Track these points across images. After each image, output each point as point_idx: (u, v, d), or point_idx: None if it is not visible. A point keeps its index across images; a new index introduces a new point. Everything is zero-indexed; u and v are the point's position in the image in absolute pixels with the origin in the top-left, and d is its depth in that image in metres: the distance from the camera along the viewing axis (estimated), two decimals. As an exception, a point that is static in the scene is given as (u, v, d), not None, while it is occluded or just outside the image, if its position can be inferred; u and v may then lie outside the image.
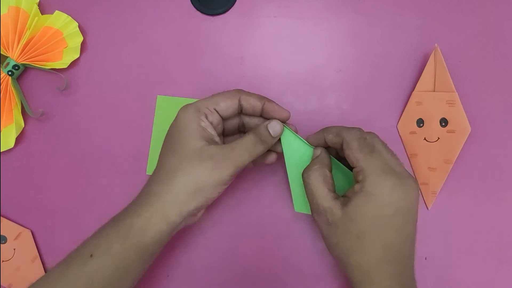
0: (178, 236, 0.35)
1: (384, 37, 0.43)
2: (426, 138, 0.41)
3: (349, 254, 0.31)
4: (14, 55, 0.43)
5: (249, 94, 0.35)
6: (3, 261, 0.43)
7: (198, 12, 0.44)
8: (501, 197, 0.41)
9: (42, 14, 0.45)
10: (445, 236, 0.41)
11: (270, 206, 0.42)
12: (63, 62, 0.43)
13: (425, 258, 0.41)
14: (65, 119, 0.45)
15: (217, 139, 0.34)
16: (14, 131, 0.43)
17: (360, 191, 0.30)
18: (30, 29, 0.43)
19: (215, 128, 0.34)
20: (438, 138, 0.40)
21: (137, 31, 0.45)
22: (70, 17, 0.44)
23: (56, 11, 0.44)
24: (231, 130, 0.38)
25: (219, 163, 0.32)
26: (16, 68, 0.43)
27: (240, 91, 0.35)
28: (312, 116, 0.43)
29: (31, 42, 0.43)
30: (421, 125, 0.41)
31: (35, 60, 0.44)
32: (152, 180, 0.34)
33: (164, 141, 0.35)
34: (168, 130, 0.34)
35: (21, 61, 0.43)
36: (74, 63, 0.44)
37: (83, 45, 0.44)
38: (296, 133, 0.36)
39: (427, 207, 0.41)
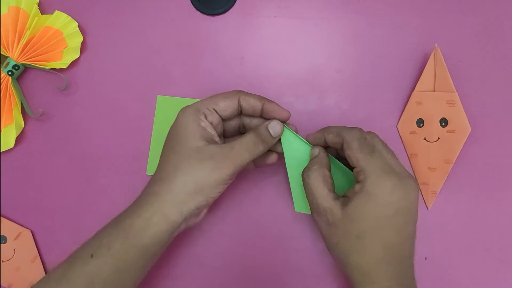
0: (178, 236, 0.34)
1: (384, 37, 0.43)
2: (426, 138, 0.41)
3: (349, 254, 0.31)
4: (14, 55, 0.43)
5: (248, 94, 0.35)
6: (3, 261, 0.43)
7: (198, 12, 0.44)
8: (501, 197, 0.41)
9: (42, 14, 0.45)
10: (445, 236, 0.41)
11: (270, 206, 0.42)
12: (63, 62, 0.43)
13: (425, 258, 0.41)
14: (65, 119, 0.45)
15: (217, 139, 0.34)
16: (14, 131, 0.43)
17: (360, 191, 0.30)
18: (30, 29, 0.43)
19: (215, 128, 0.34)
20: (438, 138, 0.40)
21: (137, 31, 0.45)
22: (70, 17, 0.44)
23: (56, 11, 0.44)
24: (231, 131, 0.38)
25: (219, 162, 0.32)
26: (16, 68, 0.43)
27: (239, 91, 0.35)
28: (312, 116, 0.43)
29: (31, 42, 0.43)
30: (421, 125, 0.41)
31: (35, 60, 0.44)
32: (152, 180, 0.34)
33: (164, 142, 0.35)
34: (169, 132, 0.35)
35: (21, 61, 0.43)
36: (74, 63, 0.44)
37: (83, 45, 0.44)
38: (296, 133, 0.36)
39: (427, 207, 0.41)
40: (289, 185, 0.38)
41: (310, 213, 0.35)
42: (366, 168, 0.30)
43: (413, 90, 0.41)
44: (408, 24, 0.43)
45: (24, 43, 0.43)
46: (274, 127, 0.34)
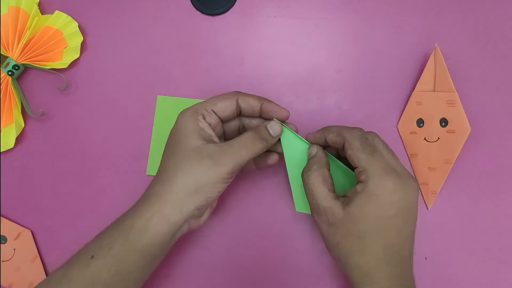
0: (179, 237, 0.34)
1: (384, 37, 0.43)
2: (426, 138, 0.41)
3: (349, 254, 0.31)
4: (14, 55, 0.43)
5: (247, 95, 0.35)
6: (3, 261, 0.43)
7: (198, 12, 0.44)
8: (501, 197, 0.41)
9: (42, 14, 0.45)
10: (445, 236, 0.41)
11: (270, 207, 0.42)
12: (63, 62, 0.43)
13: (425, 258, 0.41)
14: (65, 119, 0.45)
15: (216, 139, 0.34)
16: (14, 131, 0.43)
17: (362, 191, 0.30)
18: (30, 29, 0.43)
19: (213, 129, 0.34)
20: (438, 138, 0.40)
21: (137, 31, 0.45)
22: (70, 17, 0.44)
23: (56, 11, 0.44)
24: (232, 133, 0.38)
25: (218, 160, 0.32)
26: (16, 68, 0.43)
27: (238, 92, 0.35)
28: (312, 116, 0.43)
29: (31, 42, 0.43)
30: (421, 125, 0.41)
31: (35, 60, 0.44)
32: (154, 181, 0.34)
33: (165, 144, 0.35)
34: (169, 134, 0.35)
35: (21, 61, 0.43)
36: (74, 63, 0.44)
37: (83, 45, 0.44)
38: (296, 132, 0.36)
39: (427, 207, 0.41)
40: (289, 185, 0.38)
41: (310, 213, 0.35)
42: (367, 168, 0.30)
43: (413, 90, 0.41)
44: (408, 24, 0.43)
45: (24, 43, 0.43)
46: (273, 126, 0.34)
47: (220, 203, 0.42)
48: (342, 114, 0.43)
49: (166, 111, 0.43)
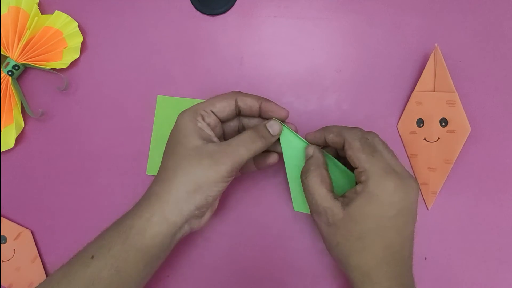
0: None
1: (384, 37, 0.43)
2: (426, 138, 0.41)
3: (349, 254, 0.31)
4: (14, 55, 0.43)
5: (246, 95, 0.35)
6: (3, 261, 0.43)
7: (198, 12, 0.44)
8: (501, 197, 0.41)
9: (42, 14, 0.45)
10: (445, 236, 0.41)
11: (270, 207, 0.42)
12: (63, 62, 0.43)
13: (425, 258, 0.41)
14: (65, 119, 0.45)
15: (215, 139, 0.34)
16: (14, 131, 0.43)
17: (362, 191, 0.30)
18: (30, 29, 0.43)
19: (213, 129, 0.34)
20: (438, 138, 0.40)
21: (137, 31, 0.45)
22: (70, 17, 0.44)
23: (56, 11, 0.44)
24: (231, 133, 0.38)
25: (217, 159, 0.32)
26: (16, 68, 0.43)
27: (237, 92, 0.35)
28: (312, 116, 0.43)
29: (31, 42, 0.43)
30: (421, 125, 0.41)
31: (35, 60, 0.44)
32: (154, 181, 0.34)
33: (165, 145, 0.35)
34: (169, 135, 0.35)
35: (21, 61, 0.43)
36: (74, 63, 0.44)
37: (83, 45, 0.44)
38: (296, 132, 0.36)
39: (427, 207, 0.41)
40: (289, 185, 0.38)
41: (308, 212, 0.35)
42: (368, 168, 0.30)
43: (413, 90, 0.41)
44: (408, 24, 0.43)
45: (24, 43, 0.43)
46: (272, 125, 0.34)
47: (220, 203, 0.42)
48: (342, 114, 0.43)
49: (166, 111, 0.43)
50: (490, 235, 0.40)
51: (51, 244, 0.44)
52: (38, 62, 0.44)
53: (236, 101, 0.35)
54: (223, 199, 0.42)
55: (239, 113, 0.36)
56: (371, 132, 0.34)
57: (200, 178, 0.31)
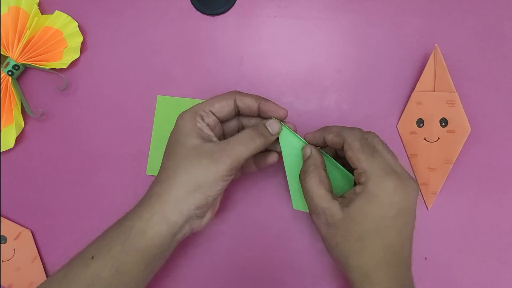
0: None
1: (384, 37, 0.43)
2: (426, 138, 0.41)
3: (349, 255, 0.31)
4: (14, 55, 0.43)
5: (244, 94, 0.35)
6: (3, 261, 0.43)
7: (198, 12, 0.44)
8: (501, 197, 0.41)
9: (42, 14, 0.45)
10: (445, 236, 0.41)
11: (270, 207, 0.42)
12: (63, 62, 0.43)
13: (425, 258, 0.41)
14: (65, 119, 0.45)
15: (214, 139, 0.34)
16: (14, 131, 0.43)
17: (362, 192, 0.30)
18: (30, 29, 0.43)
19: (212, 129, 0.34)
20: (438, 138, 0.40)
21: (137, 31, 0.45)
22: (70, 17, 0.44)
23: (56, 11, 0.44)
24: (231, 133, 0.38)
25: (216, 158, 0.31)
26: (16, 68, 0.43)
27: (236, 92, 0.35)
28: (312, 116, 0.43)
29: (31, 42, 0.43)
30: (421, 125, 0.41)
31: (35, 60, 0.44)
32: (154, 182, 0.34)
33: (166, 146, 0.35)
34: (169, 136, 0.35)
35: (21, 61, 0.43)
36: (74, 63, 0.44)
37: (83, 45, 0.44)
38: (296, 131, 0.36)
39: (427, 207, 0.41)
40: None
41: (307, 211, 0.35)
42: (368, 169, 0.30)
43: (413, 90, 0.41)
44: (408, 24, 0.43)
45: (24, 43, 0.43)
46: (271, 125, 0.34)
47: (221, 203, 0.42)
48: (342, 114, 0.43)
49: (166, 111, 0.43)
50: (490, 235, 0.40)
51: (51, 244, 0.44)
52: (38, 62, 0.44)
53: (235, 101, 0.35)
54: (223, 199, 0.42)
55: (238, 113, 0.36)
56: (370, 132, 0.34)
57: (199, 178, 0.31)
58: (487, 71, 0.42)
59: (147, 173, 0.43)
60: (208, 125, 0.34)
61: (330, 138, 0.34)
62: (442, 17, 0.43)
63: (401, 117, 0.42)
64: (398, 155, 0.33)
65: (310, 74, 0.43)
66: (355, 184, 0.33)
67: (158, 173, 0.34)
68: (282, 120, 0.35)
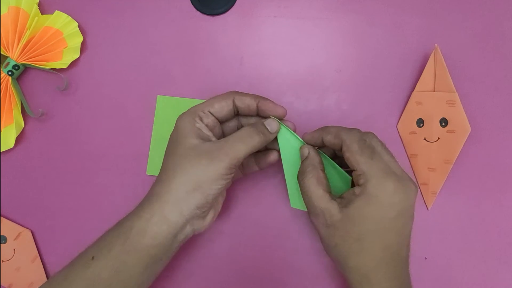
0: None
1: (384, 37, 0.43)
2: (426, 138, 0.41)
3: (348, 256, 0.31)
4: (14, 55, 0.43)
5: (243, 94, 0.35)
6: (3, 261, 0.43)
7: (198, 12, 0.44)
8: (501, 197, 0.41)
9: (42, 14, 0.45)
10: (445, 236, 0.41)
11: (270, 207, 0.42)
12: (63, 62, 0.43)
13: (425, 258, 0.41)
14: (65, 119, 0.45)
15: (213, 139, 0.34)
16: (14, 131, 0.43)
17: (361, 193, 0.30)
18: (30, 29, 0.43)
19: (211, 130, 0.34)
20: (438, 138, 0.40)
21: (137, 31, 0.45)
22: (70, 17, 0.44)
23: (56, 11, 0.44)
24: (230, 134, 0.38)
25: (214, 156, 0.31)
26: (16, 68, 0.43)
27: (234, 92, 0.35)
28: (312, 116, 0.43)
29: (31, 42, 0.43)
30: (421, 125, 0.41)
31: (35, 60, 0.44)
32: (154, 183, 0.34)
33: (166, 147, 0.35)
34: (169, 137, 0.35)
35: (21, 61, 0.43)
36: (74, 63, 0.44)
37: (83, 45, 0.44)
38: (295, 130, 0.36)
39: (427, 207, 0.41)
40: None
41: (305, 209, 0.35)
42: (367, 171, 0.30)
43: (413, 90, 0.41)
44: (408, 24, 0.43)
45: (24, 43, 0.43)
46: (270, 123, 0.34)
47: (220, 203, 0.42)
48: (342, 114, 0.43)
49: (166, 111, 0.43)
50: (490, 235, 0.40)
51: (51, 244, 0.44)
52: (38, 62, 0.44)
53: (233, 101, 0.35)
54: (224, 199, 0.42)
55: (237, 113, 0.36)
56: (369, 132, 0.33)
57: (199, 177, 0.31)
58: (487, 71, 0.42)
59: (147, 173, 0.43)
60: (207, 125, 0.34)
61: (329, 139, 0.34)
62: (442, 17, 0.43)
63: (401, 117, 0.42)
64: (398, 155, 0.33)
65: (310, 74, 0.43)
66: (353, 184, 0.33)
67: (159, 174, 0.34)
68: (281, 119, 0.35)
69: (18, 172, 0.44)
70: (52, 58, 0.44)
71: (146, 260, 0.31)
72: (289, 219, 0.42)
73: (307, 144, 0.35)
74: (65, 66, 0.44)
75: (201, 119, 0.34)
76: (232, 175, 0.33)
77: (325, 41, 0.43)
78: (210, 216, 0.35)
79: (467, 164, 0.41)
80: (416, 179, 0.41)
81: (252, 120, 0.37)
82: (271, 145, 0.38)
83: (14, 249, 0.43)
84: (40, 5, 0.45)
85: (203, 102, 0.35)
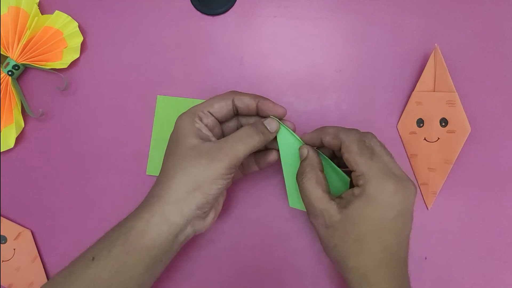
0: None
1: (384, 37, 0.43)
2: (426, 138, 0.41)
3: (347, 256, 0.31)
4: (14, 55, 0.43)
5: (242, 94, 0.35)
6: (3, 261, 0.43)
7: (198, 12, 0.44)
8: (501, 197, 0.41)
9: (42, 14, 0.45)
10: (445, 236, 0.41)
11: (270, 207, 0.42)
12: (63, 62, 0.43)
13: (425, 258, 0.41)
14: (65, 119, 0.45)
15: (213, 139, 0.34)
16: (14, 131, 0.43)
17: (361, 194, 0.30)
18: (30, 29, 0.43)
19: (211, 130, 0.34)
20: (438, 138, 0.40)
21: (137, 31, 0.45)
22: (70, 17, 0.44)
23: (56, 11, 0.44)
24: (230, 134, 0.38)
25: (214, 156, 0.31)
26: (16, 68, 0.43)
27: (234, 92, 0.35)
28: (312, 116, 0.43)
29: (31, 42, 0.43)
30: (421, 125, 0.41)
31: (35, 60, 0.44)
32: (154, 184, 0.34)
33: (166, 148, 0.35)
34: (169, 137, 0.35)
35: (21, 61, 0.43)
36: (74, 63, 0.44)
37: (83, 45, 0.44)
38: (295, 130, 0.36)
39: (427, 207, 0.41)
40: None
41: (303, 209, 0.35)
42: (366, 172, 0.30)
43: (413, 90, 0.41)
44: (408, 24, 0.43)
45: (24, 43, 0.43)
46: (270, 123, 0.34)
47: (220, 203, 0.42)
48: (342, 114, 0.43)
49: (166, 111, 0.43)
50: (490, 235, 0.40)
51: (51, 244, 0.44)
52: (38, 62, 0.44)
53: (233, 101, 0.35)
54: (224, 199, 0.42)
55: (237, 113, 0.36)
56: (368, 133, 0.33)
57: (199, 177, 0.31)
58: (487, 71, 0.42)
59: (147, 173, 0.43)
60: (206, 125, 0.34)
61: (327, 140, 0.33)
62: (442, 17, 0.43)
63: (401, 117, 0.42)
64: (398, 155, 0.33)
65: (310, 74, 0.43)
66: (352, 185, 0.33)
67: (159, 174, 0.34)
68: (280, 119, 0.35)
69: (18, 172, 0.44)
70: (52, 58, 0.44)
71: (146, 261, 0.31)
72: (289, 219, 0.42)
73: (306, 144, 0.35)
74: (65, 66, 0.44)
75: (200, 119, 0.34)
76: (232, 174, 0.33)
77: (325, 41, 0.43)
78: (210, 217, 0.35)
79: (467, 164, 0.41)
80: (416, 179, 0.41)
81: (252, 120, 0.37)
82: (270, 145, 0.38)
83: (14, 249, 0.43)
84: (40, 5, 0.45)
85: (203, 102, 0.35)
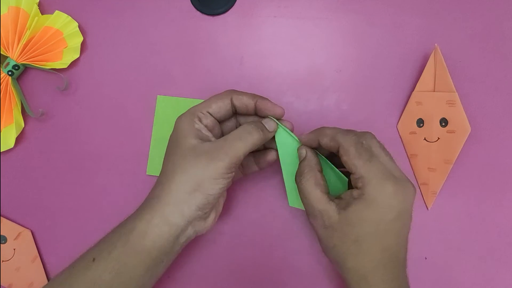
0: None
1: (384, 37, 0.43)
2: (426, 138, 0.41)
3: (346, 257, 0.31)
4: (14, 55, 0.43)
5: (241, 93, 0.35)
6: (3, 261, 0.43)
7: (198, 12, 0.44)
8: (501, 197, 0.41)
9: (42, 14, 0.45)
10: (445, 236, 0.41)
11: (269, 207, 0.42)
12: (63, 62, 0.43)
13: (425, 258, 0.41)
14: (65, 119, 0.45)
15: (212, 139, 0.34)
16: (14, 131, 0.43)
17: (360, 197, 0.30)
18: (30, 29, 0.43)
19: (211, 130, 0.34)
20: (438, 138, 0.40)
21: (137, 31, 0.45)
22: (70, 17, 0.44)
23: (56, 11, 0.44)
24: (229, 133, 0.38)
25: (214, 156, 0.31)
26: (16, 68, 0.43)
27: (232, 91, 0.35)
28: (312, 116, 0.43)
29: (31, 42, 0.43)
30: (421, 125, 0.41)
31: (35, 60, 0.44)
32: (155, 185, 0.34)
33: (166, 149, 0.35)
34: (169, 139, 0.35)
35: (21, 61, 0.43)
36: (74, 63, 0.44)
37: (83, 45, 0.44)
38: (292, 129, 0.36)
39: (427, 207, 0.41)
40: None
41: (303, 208, 0.35)
42: (365, 175, 0.30)
43: (413, 90, 0.41)
44: (408, 24, 0.43)
45: (24, 43, 0.43)
46: (268, 123, 0.34)
47: (220, 203, 0.42)
48: (342, 114, 0.43)
49: (166, 111, 0.43)
50: (490, 235, 0.40)
51: (51, 244, 0.44)
52: (38, 62, 0.44)
53: (231, 100, 0.35)
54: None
55: (235, 112, 0.36)
56: (366, 133, 0.33)
57: (199, 177, 0.31)
58: (487, 71, 0.42)
59: (147, 173, 0.43)
60: (206, 126, 0.34)
61: (325, 142, 0.33)
62: (442, 17, 0.43)
63: (401, 117, 0.42)
64: (398, 155, 0.33)
65: (310, 74, 0.43)
66: (350, 185, 0.33)
67: (159, 175, 0.34)
68: (279, 119, 0.35)
69: (18, 172, 0.44)
70: (52, 58, 0.44)
71: (147, 262, 0.31)
72: (288, 219, 0.42)
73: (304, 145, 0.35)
74: (65, 66, 0.44)
75: (200, 120, 0.34)
76: (233, 174, 0.33)
77: (325, 41, 0.43)
78: (211, 218, 0.35)
79: (467, 164, 0.41)
80: (416, 179, 0.41)
81: (250, 119, 0.37)
82: (269, 145, 0.38)
83: (14, 249, 0.43)
84: (40, 5, 0.45)
85: (201, 103, 0.35)
